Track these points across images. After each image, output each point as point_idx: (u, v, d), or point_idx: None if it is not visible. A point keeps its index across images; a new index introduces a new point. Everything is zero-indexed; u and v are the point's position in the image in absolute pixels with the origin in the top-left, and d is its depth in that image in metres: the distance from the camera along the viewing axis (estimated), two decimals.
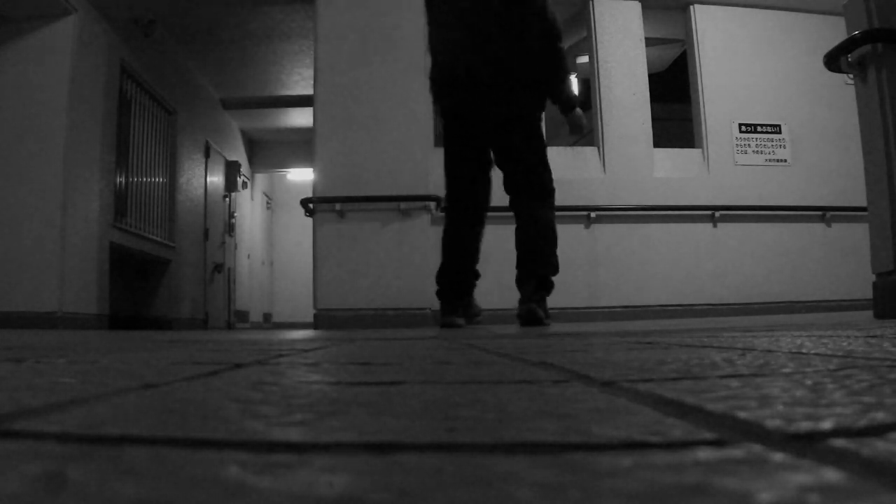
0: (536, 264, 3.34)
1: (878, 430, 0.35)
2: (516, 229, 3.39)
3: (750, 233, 5.70)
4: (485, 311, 5.33)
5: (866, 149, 2.84)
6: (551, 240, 3.40)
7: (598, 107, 5.77)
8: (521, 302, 3.30)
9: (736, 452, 0.31)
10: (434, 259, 5.28)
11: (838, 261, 5.63)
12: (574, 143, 3.59)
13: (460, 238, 3.41)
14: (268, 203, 12.13)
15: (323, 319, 4.95)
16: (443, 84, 3.33)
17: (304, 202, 5.25)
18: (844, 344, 1.09)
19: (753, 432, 0.36)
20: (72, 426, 0.41)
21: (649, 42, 6.23)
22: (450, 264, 3.42)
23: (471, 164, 3.43)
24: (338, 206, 5.07)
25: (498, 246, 5.42)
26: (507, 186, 3.46)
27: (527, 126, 3.35)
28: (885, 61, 2.70)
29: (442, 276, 3.44)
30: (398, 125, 5.09)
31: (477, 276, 3.55)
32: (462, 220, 3.43)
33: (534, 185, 3.38)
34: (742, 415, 0.41)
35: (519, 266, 3.36)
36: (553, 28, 3.28)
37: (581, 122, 3.46)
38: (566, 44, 8.07)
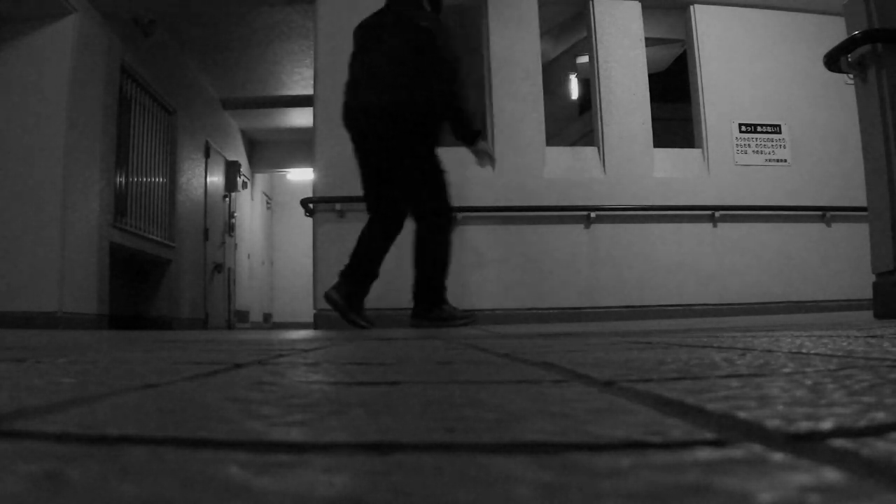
0: (429, 289, 3.71)
1: (878, 430, 0.35)
2: (417, 249, 3.73)
3: (750, 233, 5.70)
4: (477, 311, 5.34)
5: (866, 149, 2.84)
6: (443, 268, 3.73)
7: (598, 107, 5.77)
8: (417, 315, 3.71)
9: (736, 452, 0.31)
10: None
11: (838, 261, 5.63)
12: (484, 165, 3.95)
13: (383, 248, 3.74)
14: (268, 203, 12.13)
15: (323, 319, 4.95)
16: (351, 115, 3.73)
17: (304, 202, 5.25)
18: (844, 344, 1.08)
19: (753, 432, 0.36)
20: (72, 426, 0.41)
21: (649, 42, 6.22)
22: (371, 270, 3.75)
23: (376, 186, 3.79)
24: (338, 206, 5.07)
25: (494, 245, 5.44)
26: (413, 212, 3.76)
27: (421, 157, 3.68)
28: (885, 61, 2.69)
29: (363, 281, 3.76)
30: None
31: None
32: (390, 230, 3.74)
33: (432, 213, 3.74)
34: (742, 415, 0.41)
35: (419, 283, 3.71)
36: (453, 73, 3.59)
37: (487, 152, 3.86)
38: (567, 44, 8.08)
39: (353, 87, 3.74)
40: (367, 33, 3.79)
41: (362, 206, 5.09)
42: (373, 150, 3.69)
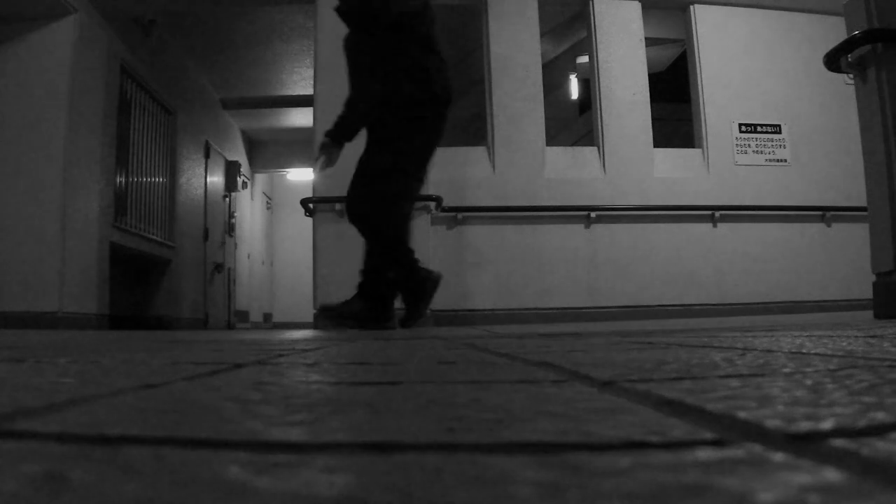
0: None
1: (878, 430, 0.35)
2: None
3: (750, 233, 5.70)
4: (478, 312, 5.34)
5: (866, 149, 2.84)
6: None
7: (598, 107, 5.77)
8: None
9: (736, 452, 0.31)
10: (435, 259, 5.28)
11: (838, 261, 5.63)
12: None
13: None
14: (268, 203, 12.13)
15: (323, 319, 4.95)
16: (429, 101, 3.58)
17: (304, 202, 5.25)
18: (844, 344, 1.08)
19: (753, 432, 0.36)
20: (72, 426, 0.41)
21: (649, 42, 6.22)
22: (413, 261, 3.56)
23: None
24: (338, 206, 5.07)
25: (494, 245, 5.44)
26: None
27: None
28: (885, 61, 2.69)
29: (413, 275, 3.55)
30: None
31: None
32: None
33: None
34: (742, 415, 0.41)
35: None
36: None
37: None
38: (567, 44, 8.08)
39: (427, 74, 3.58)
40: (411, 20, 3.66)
41: None
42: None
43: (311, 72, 5.81)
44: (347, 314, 3.53)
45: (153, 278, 6.97)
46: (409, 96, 3.52)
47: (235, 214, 9.61)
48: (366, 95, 3.57)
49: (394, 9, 3.45)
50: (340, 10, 3.46)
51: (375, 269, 3.55)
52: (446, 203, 5.28)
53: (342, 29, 5.26)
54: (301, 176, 11.22)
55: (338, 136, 3.62)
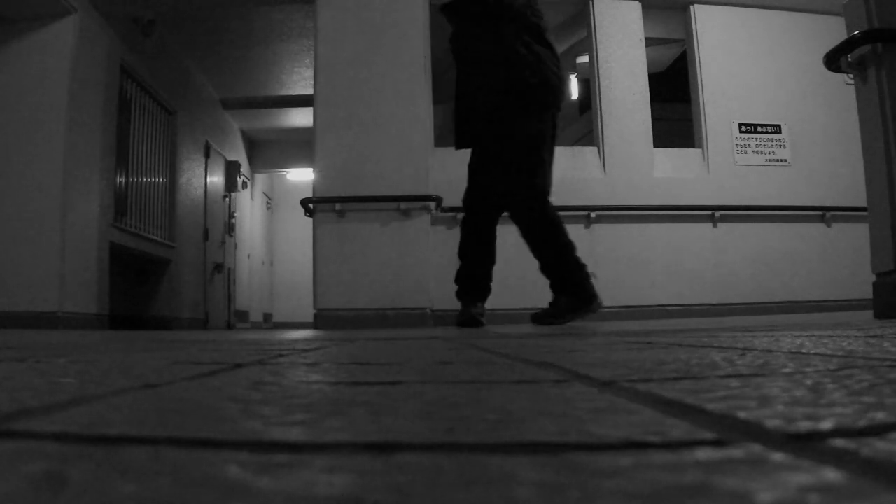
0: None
1: (878, 430, 0.35)
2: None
3: (750, 233, 5.70)
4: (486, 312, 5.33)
5: (866, 149, 2.84)
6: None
7: (598, 107, 5.77)
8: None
9: (736, 452, 0.31)
10: (435, 259, 5.28)
11: (838, 261, 5.63)
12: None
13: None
14: (268, 203, 12.13)
15: (323, 319, 4.95)
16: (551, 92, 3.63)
17: (304, 202, 5.24)
18: (844, 344, 1.08)
19: (753, 432, 0.36)
20: (72, 426, 0.41)
21: (649, 42, 6.22)
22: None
23: None
24: (338, 206, 5.07)
25: (499, 244, 5.43)
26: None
27: None
28: (885, 61, 2.69)
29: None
30: (398, 125, 5.09)
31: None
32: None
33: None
34: (742, 415, 0.41)
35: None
36: None
37: None
38: (567, 44, 8.09)
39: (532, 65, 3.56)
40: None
41: (362, 206, 5.11)
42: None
43: (311, 72, 5.80)
44: (561, 314, 3.59)
45: (153, 278, 6.97)
46: (524, 81, 3.50)
47: (235, 214, 9.61)
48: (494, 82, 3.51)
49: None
50: (447, 8, 3.48)
51: (552, 264, 3.67)
52: (446, 203, 5.27)
53: (342, 29, 5.27)
54: (301, 176, 11.22)
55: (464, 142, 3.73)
